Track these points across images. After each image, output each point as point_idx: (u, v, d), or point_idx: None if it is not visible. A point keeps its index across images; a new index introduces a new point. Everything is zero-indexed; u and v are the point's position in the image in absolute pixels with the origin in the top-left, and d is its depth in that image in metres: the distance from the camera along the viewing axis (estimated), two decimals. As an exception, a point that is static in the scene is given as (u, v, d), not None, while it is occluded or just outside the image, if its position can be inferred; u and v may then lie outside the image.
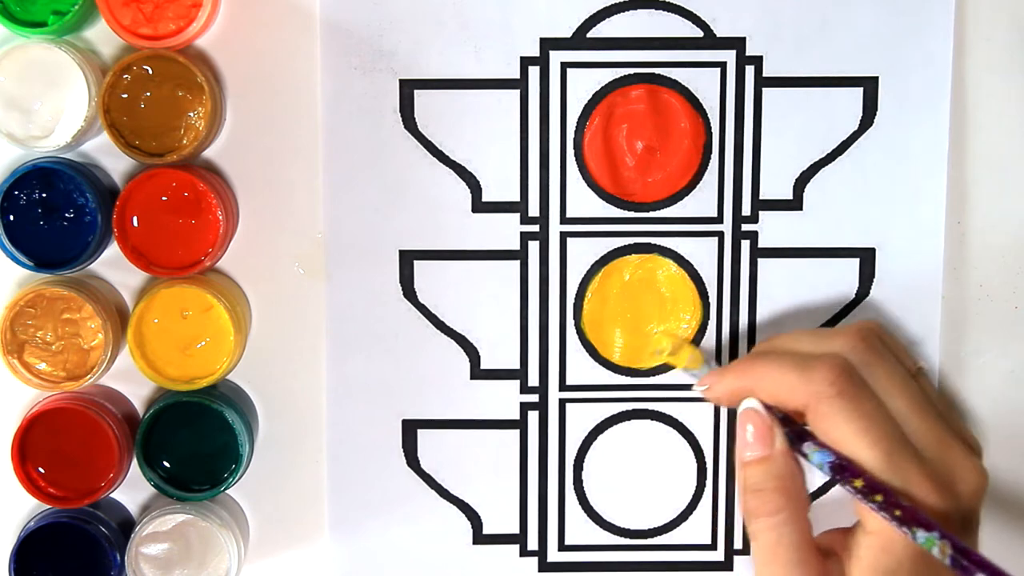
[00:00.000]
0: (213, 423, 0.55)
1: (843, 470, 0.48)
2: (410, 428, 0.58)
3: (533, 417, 0.58)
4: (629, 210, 0.57)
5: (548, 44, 0.56)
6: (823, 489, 0.58)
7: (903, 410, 0.50)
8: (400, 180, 0.57)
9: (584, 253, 0.57)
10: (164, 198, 0.54)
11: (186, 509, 0.55)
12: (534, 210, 0.57)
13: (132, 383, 0.57)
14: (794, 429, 0.50)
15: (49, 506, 0.55)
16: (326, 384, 0.57)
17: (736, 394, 0.52)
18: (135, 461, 0.55)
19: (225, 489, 0.55)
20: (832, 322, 0.58)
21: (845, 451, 0.48)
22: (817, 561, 0.49)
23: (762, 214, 0.57)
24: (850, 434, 0.48)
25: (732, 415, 0.58)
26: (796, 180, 0.57)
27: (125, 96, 0.54)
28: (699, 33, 0.56)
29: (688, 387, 0.58)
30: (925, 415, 0.50)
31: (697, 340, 0.58)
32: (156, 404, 0.55)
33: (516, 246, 0.57)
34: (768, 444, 0.50)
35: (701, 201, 0.57)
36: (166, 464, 0.55)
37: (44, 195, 0.54)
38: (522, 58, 0.56)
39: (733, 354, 0.58)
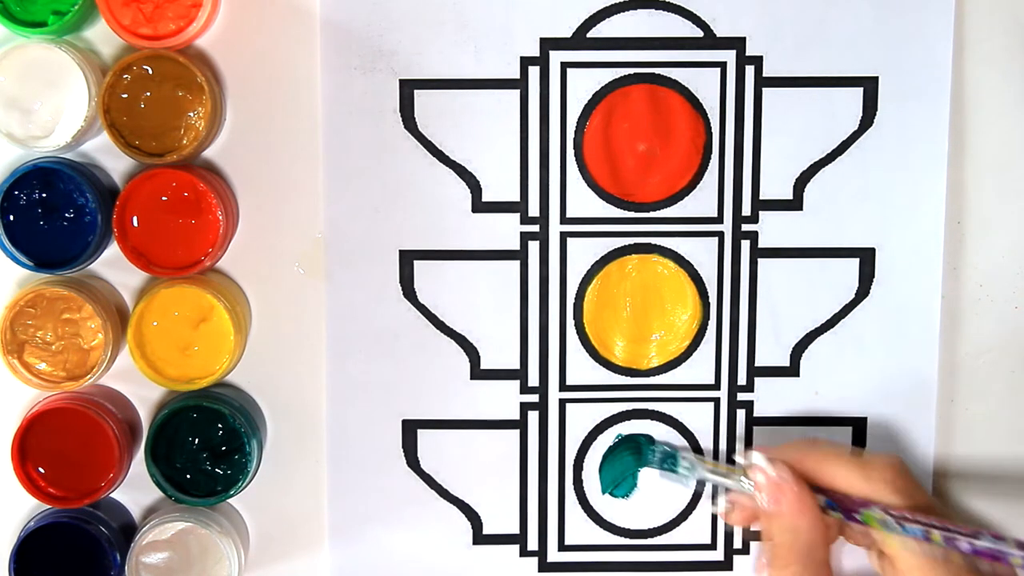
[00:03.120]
0: (225, 433, 0.55)
1: (905, 519, 0.50)
2: (410, 428, 0.58)
3: (533, 417, 0.58)
4: (629, 210, 0.57)
5: (548, 44, 0.56)
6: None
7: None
8: (400, 180, 0.57)
9: (584, 253, 0.57)
10: (164, 198, 0.54)
11: (186, 517, 0.55)
12: (534, 210, 0.57)
13: (132, 383, 0.57)
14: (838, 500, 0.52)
15: (49, 506, 0.55)
16: (326, 384, 0.57)
17: (783, 461, 0.53)
18: (141, 462, 0.55)
19: (231, 497, 0.55)
20: (832, 322, 0.58)
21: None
22: None
23: (762, 214, 0.57)
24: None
25: (732, 416, 0.58)
26: (796, 180, 0.57)
27: (125, 96, 0.54)
28: (699, 33, 0.56)
29: (688, 387, 0.58)
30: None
31: (697, 340, 0.58)
32: (170, 405, 0.55)
33: (516, 246, 0.57)
34: (778, 500, 0.52)
35: (701, 201, 0.57)
36: (172, 466, 0.55)
37: (44, 195, 0.54)
38: (522, 58, 0.56)
39: (733, 354, 0.58)
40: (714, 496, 0.58)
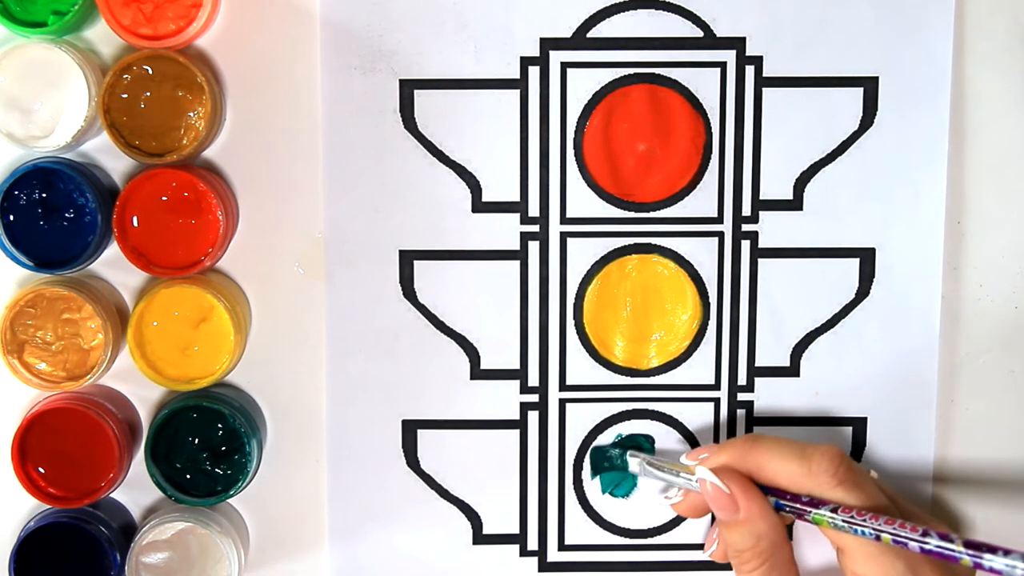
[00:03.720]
0: (225, 433, 0.55)
1: (855, 516, 0.50)
2: (410, 428, 0.58)
3: (533, 417, 0.58)
4: (629, 210, 0.57)
5: (548, 44, 0.56)
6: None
7: (890, 494, 0.54)
8: (400, 180, 0.57)
9: (584, 253, 0.57)
10: (164, 198, 0.54)
11: (186, 517, 0.55)
12: (534, 210, 0.57)
13: (132, 383, 0.57)
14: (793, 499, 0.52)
15: (49, 506, 0.55)
16: (326, 384, 0.57)
17: (729, 468, 0.53)
18: (141, 462, 0.55)
19: (231, 496, 0.55)
20: (832, 322, 0.58)
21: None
22: None
23: (762, 214, 0.57)
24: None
25: (732, 417, 0.58)
26: (796, 180, 0.57)
27: (125, 96, 0.54)
28: (699, 33, 0.56)
29: (688, 387, 0.58)
30: (903, 500, 0.55)
31: (697, 340, 0.58)
32: (170, 405, 0.55)
33: (516, 246, 0.57)
34: (733, 510, 0.52)
35: (701, 201, 0.57)
36: (172, 466, 0.55)
37: (44, 195, 0.54)
38: (522, 58, 0.56)
39: (733, 354, 0.58)
40: (666, 487, 0.58)
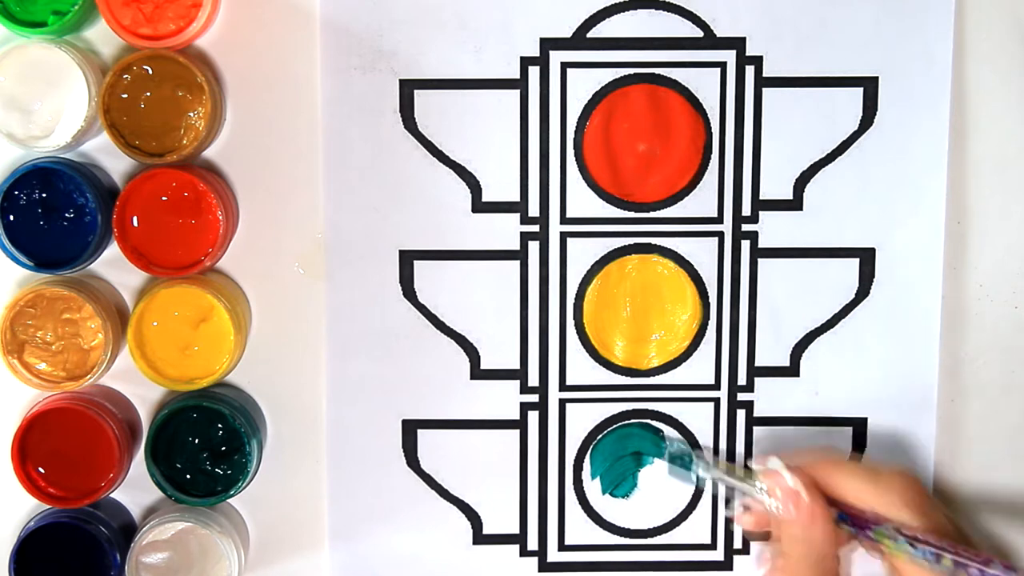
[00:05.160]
0: (225, 433, 0.55)
1: (920, 540, 0.50)
2: (410, 428, 0.58)
3: (533, 417, 0.58)
4: (629, 210, 0.57)
5: (548, 44, 0.56)
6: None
7: (959, 526, 0.53)
8: (400, 180, 0.57)
9: (584, 253, 0.57)
10: (164, 198, 0.54)
11: (186, 517, 0.55)
12: (534, 210, 0.57)
13: (132, 383, 0.57)
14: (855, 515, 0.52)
15: (49, 506, 0.55)
16: (326, 384, 0.57)
17: (799, 469, 0.53)
18: (141, 462, 0.55)
19: (231, 496, 0.55)
20: (832, 322, 0.58)
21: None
22: None
23: (762, 214, 0.57)
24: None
25: (732, 417, 0.58)
26: (796, 180, 0.57)
27: (125, 96, 0.54)
28: (699, 33, 0.56)
29: (688, 387, 0.58)
30: (969, 534, 0.54)
31: (697, 340, 0.58)
32: (170, 405, 0.55)
33: (516, 246, 0.57)
34: (795, 505, 0.51)
35: (701, 201, 0.57)
36: (172, 466, 0.55)
37: (44, 195, 0.54)
38: (522, 58, 0.56)
39: (733, 354, 0.58)
40: (728, 501, 0.57)
